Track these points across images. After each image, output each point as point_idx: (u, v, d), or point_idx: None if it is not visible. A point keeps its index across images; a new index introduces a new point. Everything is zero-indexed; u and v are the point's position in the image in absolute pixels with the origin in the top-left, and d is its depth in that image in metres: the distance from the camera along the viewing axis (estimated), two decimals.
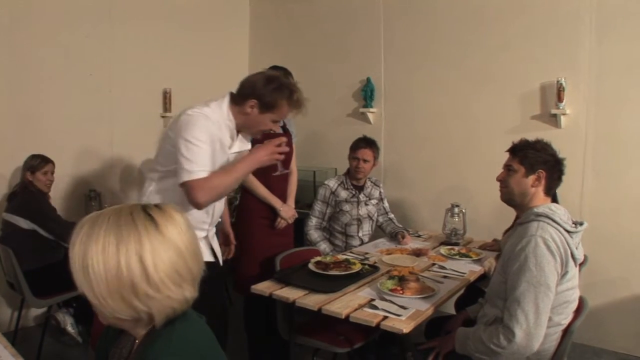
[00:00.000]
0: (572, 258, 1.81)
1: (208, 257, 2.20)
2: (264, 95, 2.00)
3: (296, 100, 2.07)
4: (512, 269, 1.81)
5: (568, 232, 1.82)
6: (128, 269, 0.92)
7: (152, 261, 0.94)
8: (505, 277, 1.85)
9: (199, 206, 1.91)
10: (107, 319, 1.00)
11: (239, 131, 2.13)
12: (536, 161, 1.94)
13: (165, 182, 2.04)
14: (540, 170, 1.93)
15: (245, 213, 2.88)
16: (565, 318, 1.86)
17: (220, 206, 2.22)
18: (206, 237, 2.20)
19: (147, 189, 2.09)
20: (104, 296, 0.93)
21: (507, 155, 2.06)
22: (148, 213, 0.98)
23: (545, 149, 1.97)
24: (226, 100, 2.07)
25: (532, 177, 1.94)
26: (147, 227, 0.95)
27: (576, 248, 1.83)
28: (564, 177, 1.98)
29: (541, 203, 1.92)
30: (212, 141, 1.97)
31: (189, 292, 1.00)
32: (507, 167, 2.02)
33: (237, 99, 2.06)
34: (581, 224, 1.89)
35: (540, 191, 1.94)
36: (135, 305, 0.94)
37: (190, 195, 1.87)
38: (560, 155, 1.98)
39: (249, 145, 2.23)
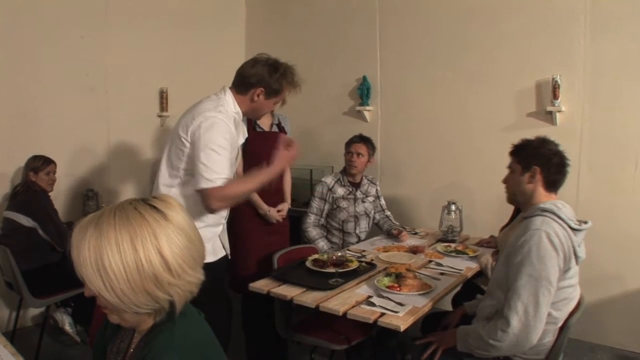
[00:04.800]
0: (574, 256, 1.82)
1: (221, 251, 2.25)
2: (271, 84, 2.11)
3: (296, 82, 2.19)
4: (514, 261, 1.81)
5: (572, 229, 1.82)
6: (148, 262, 0.93)
7: (170, 250, 0.95)
8: (508, 269, 1.85)
9: (212, 212, 2.00)
10: (120, 317, 0.99)
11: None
12: (530, 157, 1.93)
13: (188, 188, 2.06)
14: (534, 167, 1.91)
15: (240, 213, 2.89)
16: (565, 315, 1.86)
17: None
18: (221, 233, 2.25)
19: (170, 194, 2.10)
20: (126, 294, 0.92)
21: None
22: (150, 204, 0.98)
23: (542, 145, 1.95)
24: (229, 93, 2.12)
25: (527, 175, 1.93)
26: (156, 218, 0.96)
27: (579, 246, 1.84)
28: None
29: (545, 199, 1.91)
30: (231, 143, 2.02)
31: (201, 274, 1.02)
32: (509, 168, 2.03)
33: (241, 89, 2.13)
34: (585, 222, 1.88)
35: (539, 187, 1.92)
36: (158, 295, 0.95)
37: (206, 202, 1.94)
38: (561, 147, 1.95)
39: (246, 134, 2.34)
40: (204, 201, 1.94)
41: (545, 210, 1.84)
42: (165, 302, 0.97)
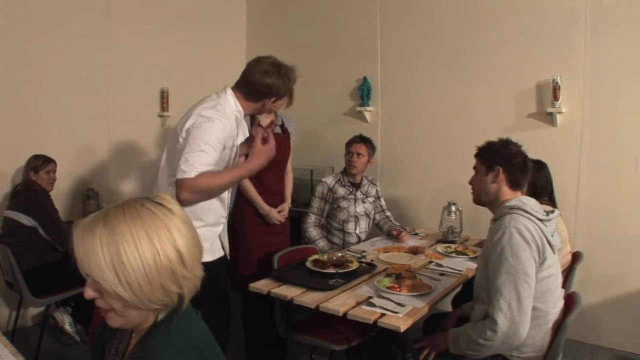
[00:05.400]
0: (548, 245, 1.85)
1: (220, 252, 2.24)
2: (281, 90, 2.15)
3: (295, 79, 2.22)
4: (491, 262, 1.85)
5: (541, 220, 1.86)
6: (165, 257, 0.93)
7: (184, 244, 0.96)
8: (487, 272, 1.88)
9: (180, 203, 1.94)
10: (125, 319, 0.98)
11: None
12: (493, 158, 1.99)
13: None
14: (497, 167, 1.97)
15: (240, 213, 2.89)
16: (553, 307, 1.88)
17: (229, 197, 2.30)
18: (222, 232, 2.24)
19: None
20: (143, 289, 0.92)
21: None
22: (155, 201, 0.99)
23: (504, 146, 2.02)
24: (230, 92, 2.11)
25: (491, 175, 1.99)
26: (164, 213, 0.97)
27: (552, 236, 1.87)
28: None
29: (510, 197, 1.96)
30: (223, 143, 2.00)
31: (202, 269, 1.02)
32: (474, 169, 2.09)
33: (252, 97, 2.13)
34: (552, 211, 1.93)
35: (503, 186, 1.98)
36: (172, 290, 0.95)
37: (177, 193, 1.92)
38: (523, 148, 2.02)
39: (247, 133, 2.35)
40: (176, 192, 1.92)
41: (512, 207, 1.89)
42: (175, 297, 0.97)
